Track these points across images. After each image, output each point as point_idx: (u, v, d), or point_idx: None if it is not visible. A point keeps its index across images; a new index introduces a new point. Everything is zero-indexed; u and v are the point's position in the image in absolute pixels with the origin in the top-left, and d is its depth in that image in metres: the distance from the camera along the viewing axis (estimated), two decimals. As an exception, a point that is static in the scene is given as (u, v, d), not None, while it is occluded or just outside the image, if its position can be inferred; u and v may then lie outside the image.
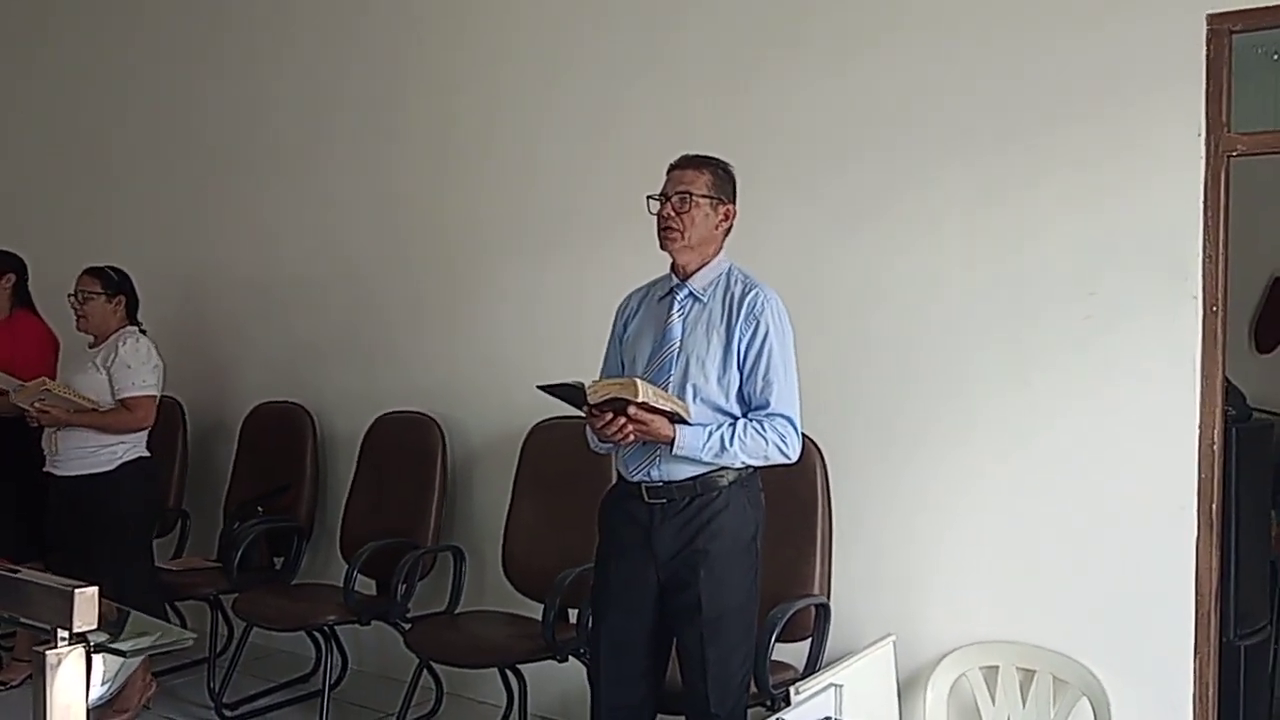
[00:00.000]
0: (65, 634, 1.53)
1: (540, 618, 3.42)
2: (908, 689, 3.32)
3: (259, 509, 4.57)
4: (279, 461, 4.71)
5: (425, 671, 3.81)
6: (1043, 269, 3.18)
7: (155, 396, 4.09)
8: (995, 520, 3.24)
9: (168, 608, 4.29)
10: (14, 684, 4.50)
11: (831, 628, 3.21)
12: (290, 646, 4.71)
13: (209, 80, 5.32)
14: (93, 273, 4.17)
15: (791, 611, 3.01)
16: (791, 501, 3.19)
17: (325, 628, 4.01)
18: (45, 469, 4.08)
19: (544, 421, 3.88)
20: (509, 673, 3.69)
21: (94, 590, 1.52)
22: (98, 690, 1.61)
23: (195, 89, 5.37)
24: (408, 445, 4.31)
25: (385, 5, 4.65)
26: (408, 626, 3.83)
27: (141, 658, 1.70)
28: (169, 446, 4.76)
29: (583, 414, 2.65)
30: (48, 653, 1.52)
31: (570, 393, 2.58)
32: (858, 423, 3.41)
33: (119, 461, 4.00)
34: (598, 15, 4.04)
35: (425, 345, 4.51)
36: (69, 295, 4.17)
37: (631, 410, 2.54)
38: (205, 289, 5.26)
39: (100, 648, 1.59)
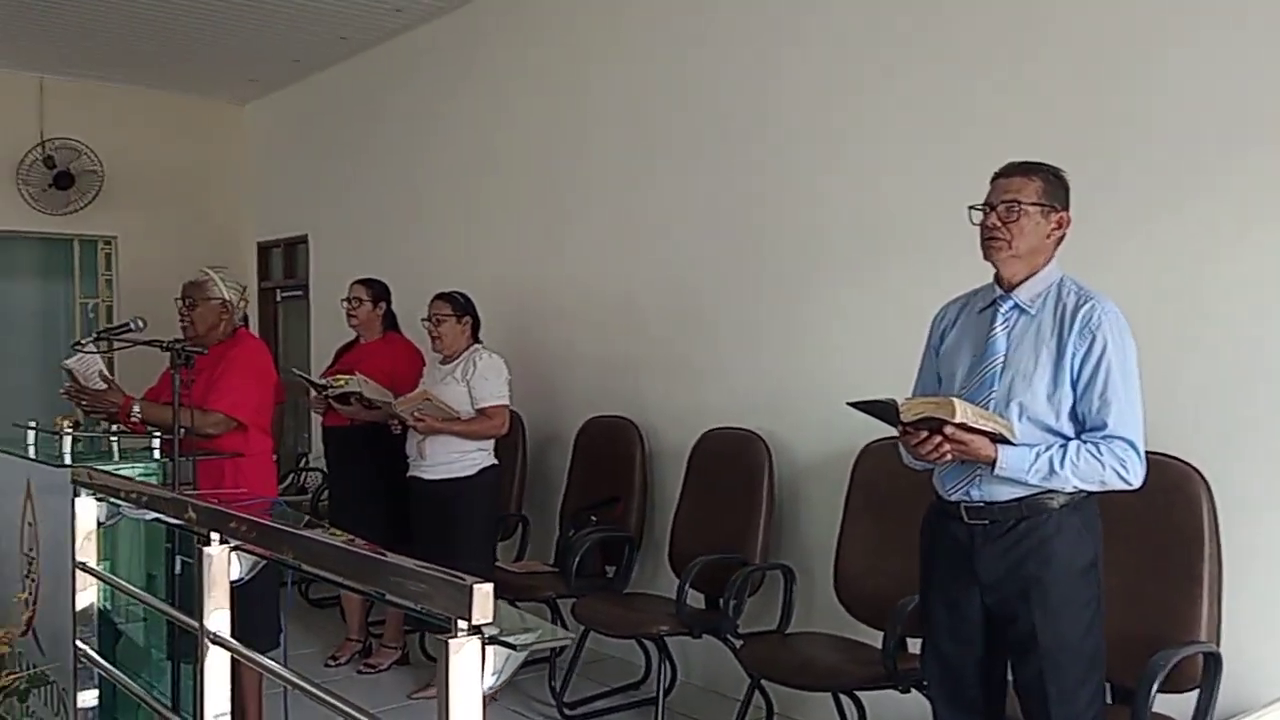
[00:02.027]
0: (464, 625, 1.63)
1: (875, 643, 3.33)
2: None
3: (592, 518, 4.76)
4: (610, 473, 4.88)
5: (755, 689, 3.81)
6: None
7: (509, 406, 4.41)
8: None
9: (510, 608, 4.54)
10: (382, 668, 4.93)
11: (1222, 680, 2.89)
12: (620, 653, 4.87)
13: (532, 104, 5.66)
14: (443, 297, 4.56)
15: (1176, 659, 2.74)
16: (1166, 534, 2.91)
17: (658, 638, 4.09)
18: (410, 473, 4.48)
19: (877, 441, 3.78)
20: (844, 698, 3.61)
21: (490, 586, 1.61)
22: (489, 679, 1.70)
23: (522, 117, 5.73)
24: (734, 461, 4.34)
25: (708, 21, 4.74)
26: (738, 643, 3.85)
27: (526, 652, 1.79)
28: (510, 455, 5.07)
29: (895, 432, 2.56)
30: (449, 641, 1.63)
31: (882, 410, 2.50)
32: (1249, 449, 3.02)
33: (478, 467, 4.38)
34: (937, 18, 3.92)
35: (753, 362, 4.53)
36: (423, 320, 4.56)
37: (948, 430, 2.42)
38: (540, 308, 5.57)
39: (493, 640, 1.69)
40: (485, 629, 1.64)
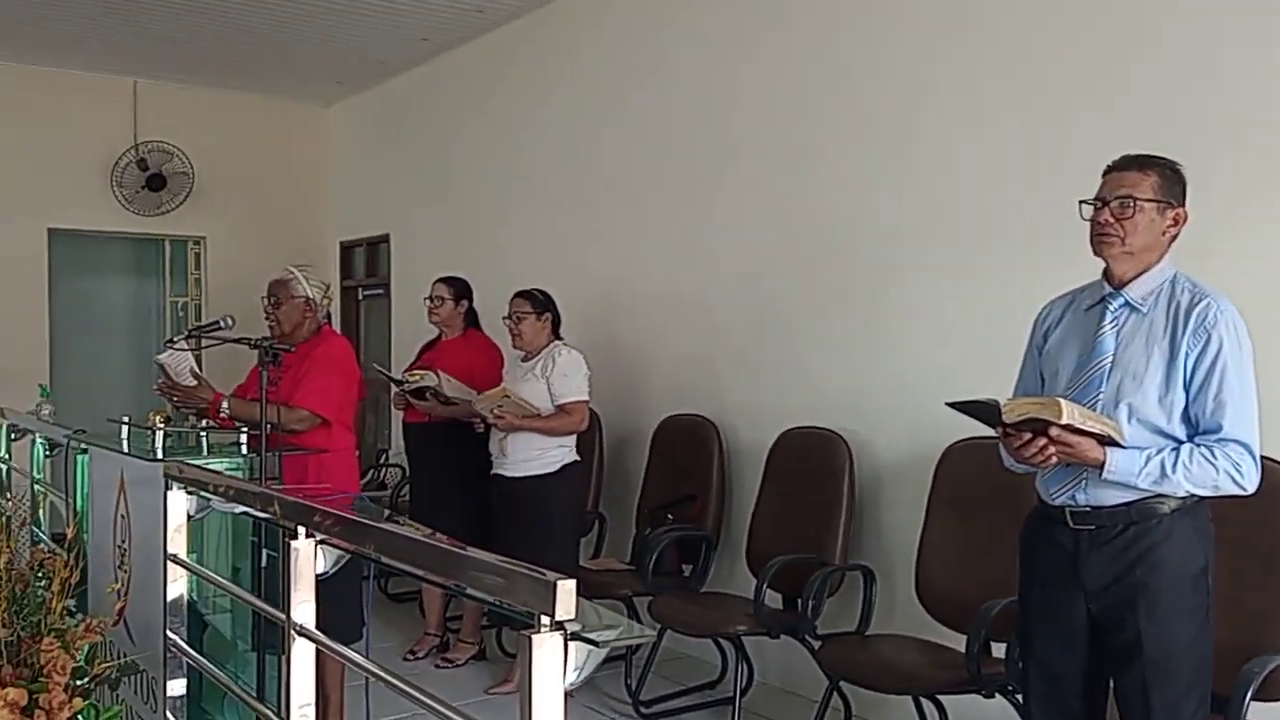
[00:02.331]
0: (547, 620, 1.63)
1: (957, 646, 3.28)
2: None
3: (668, 516, 4.75)
4: (687, 472, 4.87)
5: (833, 692, 3.76)
6: None
7: (588, 402, 4.42)
8: None
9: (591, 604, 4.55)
10: (459, 663, 4.97)
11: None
12: (696, 652, 4.85)
13: (611, 103, 5.67)
14: (523, 295, 4.58)
15: (1272, 666, 2.65)
16: (1265, 538, 2.81)
17: (735, 637, 4.06)
18: (494, 470, 4.51)
19: (961, 442, 3.71)
20: (926, 702, 3.55)
21: (573, 582, 1.60)
22: (570, 675, 1.70)
23: (601, 116, 5.74)
24: (814, 461, 4.30)
25: (791, 18, 4.70)
26: (816, 644, 3.81)
27: (608, 649, 1.78)
28: (587, 453, 5.07)
29: (996, 433, 2.49)
30: (532, 637, 1.63)
31: (984, 410, 2.42)
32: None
33: (559, 464, 4.40)
34: (1026, 9, 3.83)
35: (832, 361, 4.48)
36: (504, 318, 4.59)
37: (1054, 431, 2.35)
38: (618, 306, 5.57)
39: (576, 636, 1.68)
40: (568, 625, 1.63)
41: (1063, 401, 2.35)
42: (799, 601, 3.94)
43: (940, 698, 3.45)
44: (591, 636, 1.68)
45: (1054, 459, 2.40)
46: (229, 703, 3.38)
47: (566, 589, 1.58)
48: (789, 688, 4.46)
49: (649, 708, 4.34)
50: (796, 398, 4.59)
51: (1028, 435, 2.39)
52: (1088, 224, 2.53)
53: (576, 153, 5.94)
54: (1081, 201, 2.55)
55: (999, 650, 3.24)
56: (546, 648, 1.62)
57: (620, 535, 5.20)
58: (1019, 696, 3.17)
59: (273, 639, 3.04)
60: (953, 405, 2.46)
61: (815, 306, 4.56)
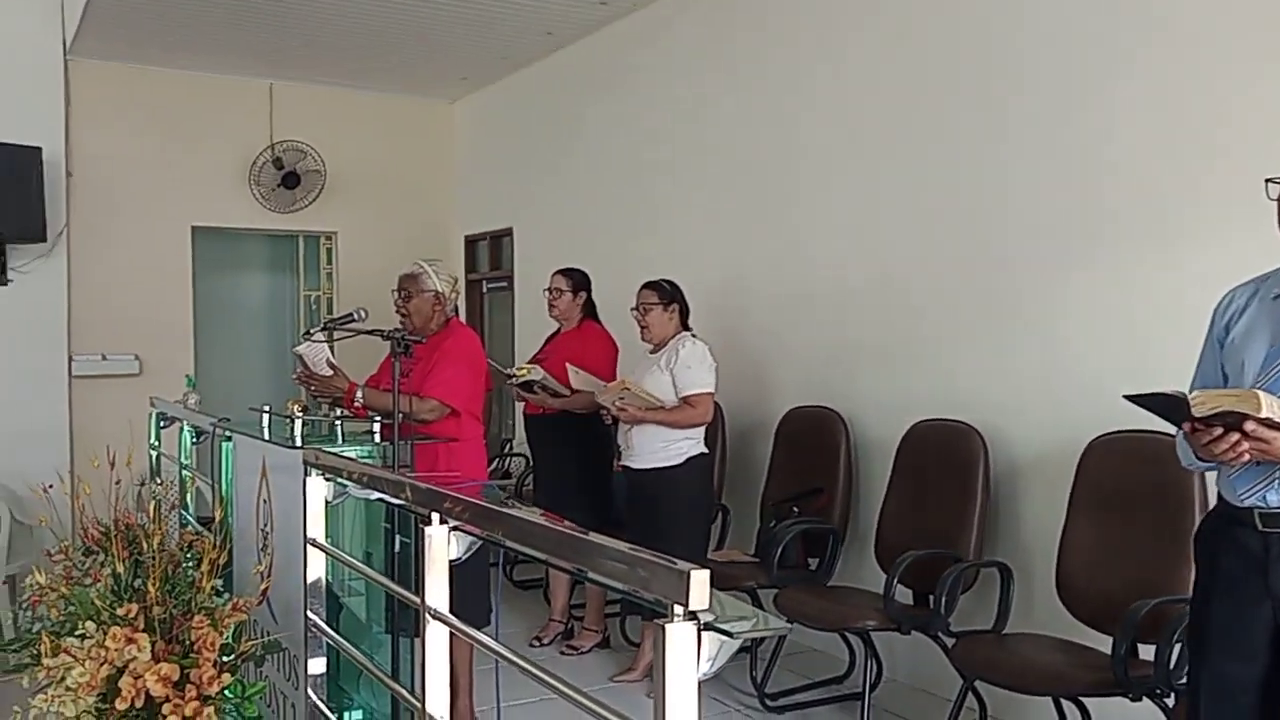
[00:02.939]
0: (680, 610, 1.61)
1: (1099, 647, 3.15)
2: None
3: (794, 509, 4.68)
4: (812, 464, 4.80)
5: (968, 691, 3.65)
6: None
7: (713, 394, 4.38)
8: None
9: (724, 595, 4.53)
10: (583, 650, 5.01)
11: None
12: (822, 646, 4.78)
13: (736, 93, 5.60)
14: (650, 286, 4.56)
15: None
16: None
17: (864, 632, 3.98)
18: (621, 462, 4.52)
19: (1105, 435, 3.56)
20: (1068, 704, 3.42)
21: (706, 573, 1.58)
22: (704, 666, 1.67)
23: (726, 105, 5.68)
24: (946, 454, 4.18)
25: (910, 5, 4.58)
26: (950, 641, 3.70)
27: (741, 640, 1.75)
28: (710, 444, 5.02)
29: (1181, 428, 2.33)
30: (665, 627, 1.61)
31: (1168, 404, 2.27)
32: None
33: (684, 457, 4.36)
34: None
35: (965, 351, 4.35)
36: (631, 309, 4.58)
37: (1249, 426, 2.19)
38: (744, 296, 5.52)
39: (709, 626, 1.66)
40: (701, 615, 1.61)
41: (1261, 394, 2.18)
42: (930, 598, 3.84)
43: (1083, 700, 3.31)
44: (725, 627, 1.66)
45: (1246, 456, 2.23)
46: (364, 682, 3.47)
47: (700, 579, 1.56)
48: (920, 685, 4.36)
49: (774, 700, 4.30)
50: (927, 389, 4.47)
51: (1219, 430, 2.24)
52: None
53: (701, 142, 5.90)
54: (1269, 180, 2.37)
55: (1146, 652, 3.10)
56: (679, 637, 1.60)
57: (744, 527, 5.16)
58: (1168, 700, 3.04)
59: (405, 622, 3.10)
60: (1132, 399, 2.31)
61: (948, 297, 4.44)
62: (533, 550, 1.99)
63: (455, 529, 2.22)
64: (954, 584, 3.76)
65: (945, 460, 4.16)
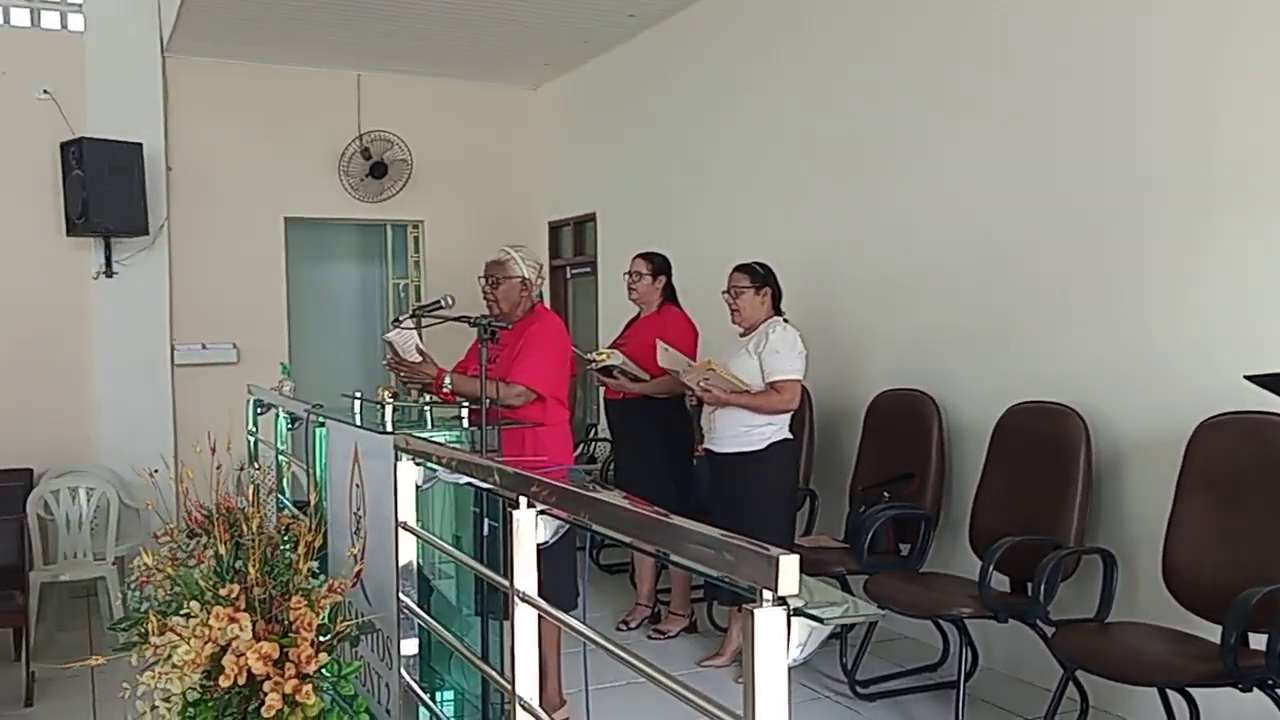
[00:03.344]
0: (769, 595, 1.58)
1: (1208, 636, 3.03)
2: None
3: (884, 494, 4.60)
4: (904, 448, 4.71)
5: (1069, 681, 3.55)
6: None
7: (801, 381, 4.31)
8: None
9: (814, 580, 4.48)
10: (670, 635, 5.01)
11: None
12: (914, 633, 4.70)
13: (825, 71, 5.50)
14: (742, 269, 4.50)
15: None
16: None
17: (959, 620, 3.90)
18: (704, 445, 4.49)
19: (1215, 418, 3.41)
20: (1174, 695, 3.30)
21: (796, 558, 1.55)
22: (794, 652, 1.64)
23: (815, 84, 5.58)
24: (1045, 438, 4.06)
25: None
26: (1049, 630, 3.60)
27: (831, 626, 1.71)
28: (797, 429, 4.96)
29: None
30: (754, 612, 1.58)
31: None
32: None
33: (768, 442, 4.31)
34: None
35: (1065, 331, 4.22)
36: (723, 292, 4.53)
37: None
38: (834, 279, 5.43)
39: (799, 612, 1.62)
40: (790, 600, 1.58)
41: None
42: (1028, 585, 3.74)
43: (1190, 690, 3.19)
44: (816, 613, 1.63)
45: None
46: (455, 663, 3.51)
47: (790, 564, 1.53)
48: (1016, 674, 4.26)
49: (865, 688, 4.23)
50: (1024, 372, 4.35)
51: None
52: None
53: (787, 124, 5.81)
54: None
55: (1257, 641, 2.97)
56: (769, 623, 1.57)
57: (832, 512, 5.09)
58: (1281, 692, 2.91)
59: (494, 605, 3.12)
60: (1254, 379, 2.21)
61: (1046, 275, 4.30)
62: (619, 534, 1.98)
63: (542, 513, 2.22)
64: (1054, 571, 3.65)
65: (1044, 444, 4.04)
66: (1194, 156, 3.72)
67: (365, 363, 8.43)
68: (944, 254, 4.80)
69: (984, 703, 4.09)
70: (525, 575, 2.21)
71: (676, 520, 1.78)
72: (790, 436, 4.40)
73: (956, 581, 4.12)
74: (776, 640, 1.58)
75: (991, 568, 3.70)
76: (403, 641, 2.98)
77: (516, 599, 2.20)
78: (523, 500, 2.23)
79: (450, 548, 3.02)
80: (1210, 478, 3.41)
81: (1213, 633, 3.10)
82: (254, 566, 2.75)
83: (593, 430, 7.44)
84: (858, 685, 4.22)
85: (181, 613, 2.72)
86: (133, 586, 3.09)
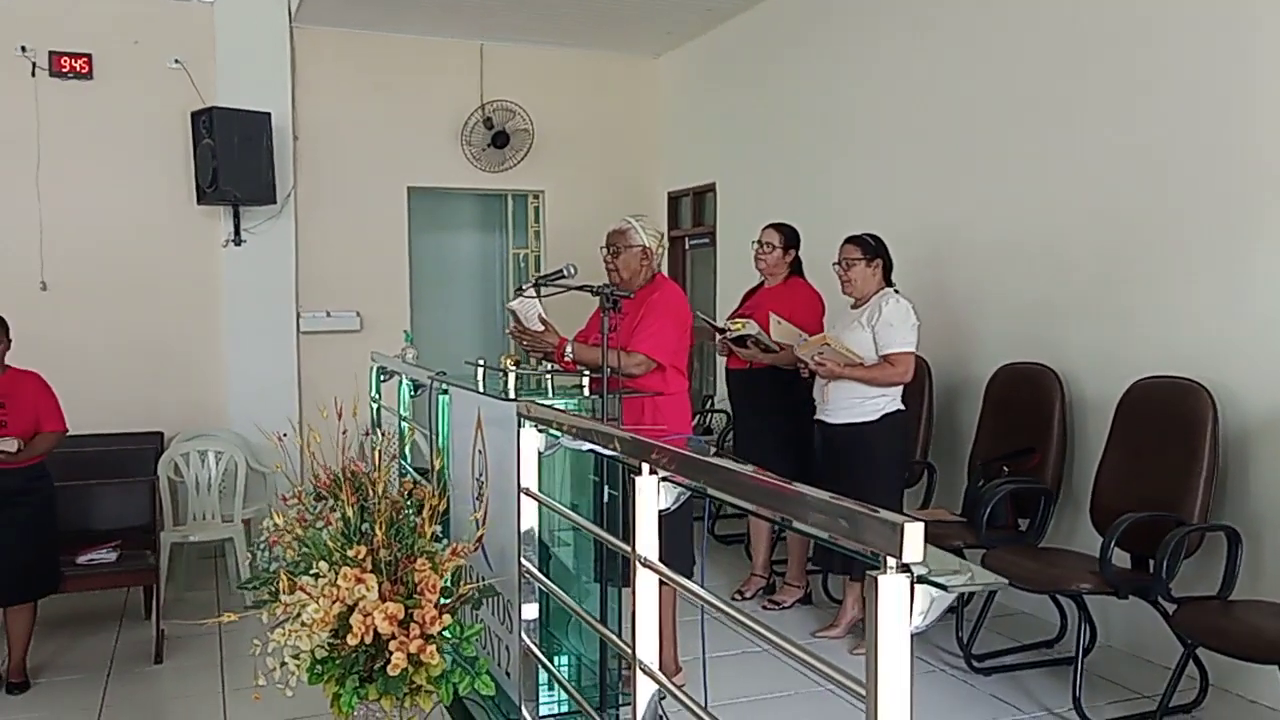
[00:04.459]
0: (893, 562, 1.61)
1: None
2: None
3: (1004, 468, 4.55)
4: (1024, 423, 4.64)
5: (1189, 658, 3.49)
6: None
7: (914, 353, 4.28)
8: None
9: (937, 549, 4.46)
10: (785, 605, 5.04)
11: None
12: (1031, 608, 4.65)
13: (950, 41, 5.39)
14: (853, 240, 4.48)
15: None
16: None
17: (1078, 595, 3.85)
18: (816, 416, 4.50)
19: (1352, 394, 3.30)
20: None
21: (921, 525, 1.57)
22: (916, 619, 1.66)
23: (938, 55, 5.47)
24: (1170, 413, 3.96)
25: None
26: (1171, 607, 3.53)
27: (955, 594, 1.73)
28: (916, 402, 4.94)
29: None
30: (878, 579, 1.61)
31: None
32: None
33: (880, 413, 4.32)
34: None
35: (1192, 303, 4.10)
36: (834, 263, 4.51)
37: None
38: (952, 250, 5.35)
39: (923, 579, 1.65)
40: (914, 568, 1.60)
41: None
42: (1150, 562, 3.67)
43: (1318, 672, 3.11)
44: (939, 580, 1.64)
45: None
46: (573, 628, 3.61)
47: (915, 531, 1.56)
48: (1134, 651, 4.19)
49: (981, 662, 4.21)
50: (1150, 346, 4.24)
51: None
52: None
53: (907, 92, 5.72)
54: None
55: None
56: (892, 589, 1.60)
57: (950, 486, 5.04)
58: None
59: (612, 572, 3.20)
60: None
61: (1172, 246, 4.18)
62: (741, 501, 2.02)
63: (664, 479, 2.27)
64: (1177, 548, 3.58)
65: (1170, 419, 3.95)
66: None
67: (485, 331, 8.61)
68: (1065, 219, 4.69)
69: (1101, 679, 4.03)
70: (647, 541, 2.27)
71: (799, 487, 1.81)
72: (903, 408, 4.40)
73: (1076, 557, 4.06)
74: (900, 607, 1.61)
75: (1113, 544, 3.64)
76: (524, 605, 3.07)
77: (638, 564, 2.26)
78: (645, 467, 2.29)
79: (574, 515, 3.08)
80: (1348, 457, 3.29)
81: (1347, 616, 3.01)
82: (380, 529, 2.82)
83: (709, 401, 7.48)
84: (974, 659, 4.20)
85: (311, 573, 2.79)
86: (262, 547, 3.16)
